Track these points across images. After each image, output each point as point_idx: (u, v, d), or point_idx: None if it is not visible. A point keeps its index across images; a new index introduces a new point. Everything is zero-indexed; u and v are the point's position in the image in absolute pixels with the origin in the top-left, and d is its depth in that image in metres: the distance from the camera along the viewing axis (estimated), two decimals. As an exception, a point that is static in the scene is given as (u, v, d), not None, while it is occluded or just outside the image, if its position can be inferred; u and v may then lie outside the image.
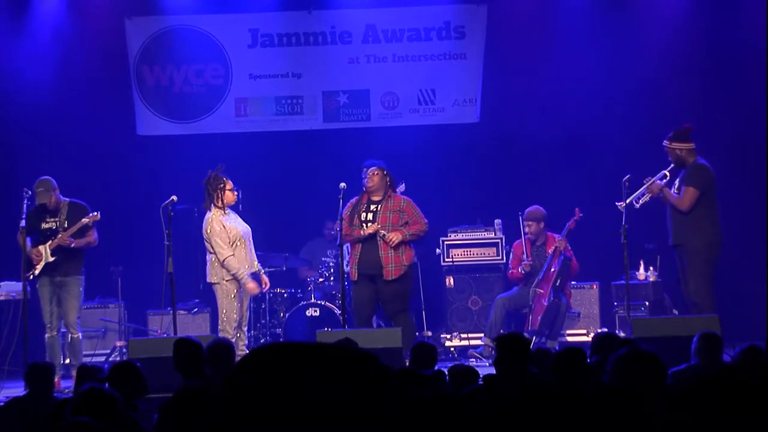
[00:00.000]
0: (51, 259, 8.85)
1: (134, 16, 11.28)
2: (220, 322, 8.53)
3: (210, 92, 11.38)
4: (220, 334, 8.31)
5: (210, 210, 8.54)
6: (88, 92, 11.12)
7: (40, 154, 10.73)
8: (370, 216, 8.83)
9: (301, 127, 11.41)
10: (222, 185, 8.53)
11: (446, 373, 5.56)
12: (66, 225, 8.89)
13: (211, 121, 11.40)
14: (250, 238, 8.68)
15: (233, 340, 8.34)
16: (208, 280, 8.64)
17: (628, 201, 8.77)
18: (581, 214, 9.89)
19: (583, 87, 10.95)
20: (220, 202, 8.52)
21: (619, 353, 4.04)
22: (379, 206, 8.85)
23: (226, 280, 8.44)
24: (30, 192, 8.74)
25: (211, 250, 8.50)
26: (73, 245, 8.84)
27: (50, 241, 8.85)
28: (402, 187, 9.29)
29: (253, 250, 8.74)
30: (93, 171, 10.51)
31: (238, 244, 8.47)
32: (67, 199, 9.03)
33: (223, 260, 8.39)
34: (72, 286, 8.94)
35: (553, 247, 9.90)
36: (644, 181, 8.90)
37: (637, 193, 8.89)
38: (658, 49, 10.98)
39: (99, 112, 11.13)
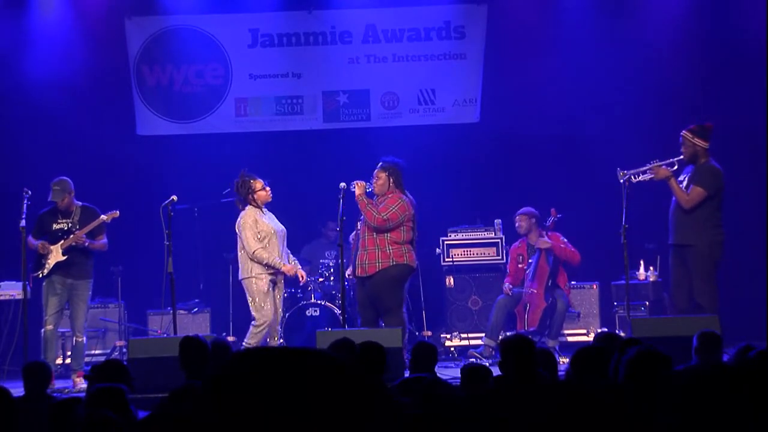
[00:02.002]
0: (62, 258, 8.85)
1: (134, 16, 11.29)
2: (253, 313, 8.43)
3: (210, 92, 11.39)
4: (252, 330, 8.35)
5: (245, 208, 8.58)
6: (88, 92, 11.12)
7: (40, 154, 10.74)
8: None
9: (301, 127, 11.41)
10: (253, 186, 8.57)
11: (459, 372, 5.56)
12: (78, 227, 8.90)
13: (211, 121, 11.40)
14: (284, 238, 8.69)
15: (269, 330, 8.41)
16: (239, 278, 8.63)
17: (629, 172, 8.67)
18: (559, 215, 9.89)
19: (583, 87, 10.95)
20: (255, 202, 8.57)
21: (630, 353, 4.04)
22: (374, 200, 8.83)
23: (256, 276, 8.44)
24: (30, 192, 8.73)
25: (241, 245, 8.52)
26: (87, 244, 8.85)
27: (62, 241, 8.86)
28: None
29: (285, 249, 8.73)
30: (93, 171, 10.50)
31: (270, 241, 8.49)
32: (80, 204, 9.03)
33: (253, 252, 8.41)
34: (82, 290, 8.94)
35: (537, 248, 9.91)
36: (651, 162, 8.77)
37: (640, 170, 8.78)
38: (658, 48, 10.98)
39: (99, 112, 11.14)
